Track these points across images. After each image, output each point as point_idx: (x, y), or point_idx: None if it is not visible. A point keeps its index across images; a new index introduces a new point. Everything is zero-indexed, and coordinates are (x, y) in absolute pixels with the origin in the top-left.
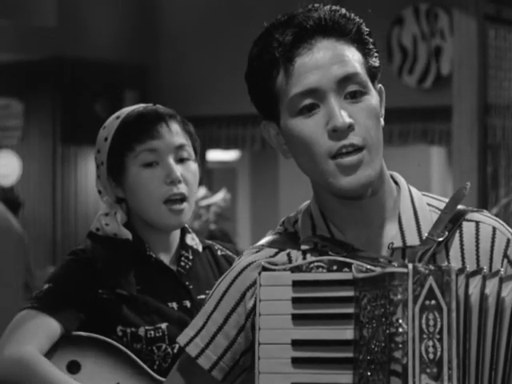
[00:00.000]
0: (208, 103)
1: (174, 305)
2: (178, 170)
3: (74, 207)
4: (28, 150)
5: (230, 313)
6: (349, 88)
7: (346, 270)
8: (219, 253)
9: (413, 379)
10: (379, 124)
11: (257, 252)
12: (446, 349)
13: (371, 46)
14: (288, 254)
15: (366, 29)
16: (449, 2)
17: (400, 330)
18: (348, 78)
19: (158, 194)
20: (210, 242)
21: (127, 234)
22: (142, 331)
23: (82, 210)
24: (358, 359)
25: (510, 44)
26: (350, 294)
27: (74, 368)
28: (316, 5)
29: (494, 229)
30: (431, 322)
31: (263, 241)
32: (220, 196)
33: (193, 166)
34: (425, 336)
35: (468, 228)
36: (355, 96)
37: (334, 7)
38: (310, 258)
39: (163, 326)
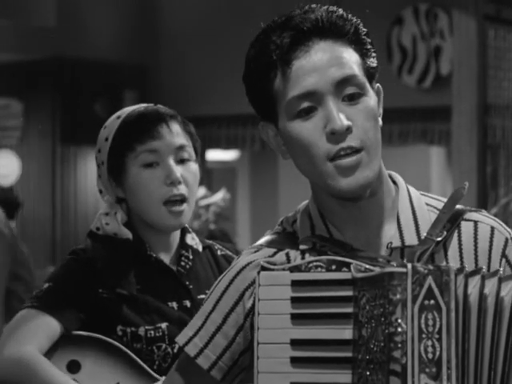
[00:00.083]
0: (208, 103)
1: (174, 304)
2: (178, 170)
3: (73, 207)
4: (28, 150)
5: (228, 312)
6: (347, 90)
7: (345, 269)
8: (219, 253)
9: (412, 379)
10: (377, 125)
11: (255, 252)
12: (445, 348)
13: (369, 47)
14: (287, 254)
15: (363, 29)
16: (448, 2)
17: (399, 329)
18: (346, 80)
19: (158, 195)
20: (209, 241)
21: (127, 234)
22: (141, 331)
23: (82, 210)
24: (356, 359)
25: (509, 44)
26: (349, 293)
27: (73, 367)
28: (313, 6)
29: (493, 228)
30: (430, 322)
31: (262, 241)
32: (219, 196)
33: (193, 166)
34: (424, 336)
35: (466, 228)
36: (353, 98)
37: (330, 8)
38: (308, 257)
39: (163, 325)
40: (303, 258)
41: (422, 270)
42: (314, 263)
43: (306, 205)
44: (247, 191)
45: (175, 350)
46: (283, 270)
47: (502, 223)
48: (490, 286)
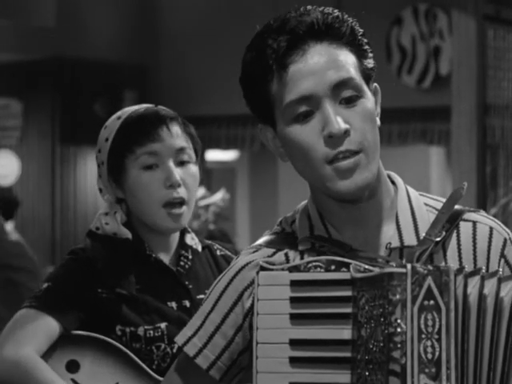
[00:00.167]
0: (208, 103)
1: (174, 304)
2: (178, 173)
3: (73, 207)
4: (27, 150)
5: (227, 312)
6: (344, 93)
7: (344, 269)
8: (218, 253)
9: (411, 379)
10: (375, 126)
11: (254, 252)
12: (445, 349)
13: (365, 47)
14: (285, 254)
15: (359, 29)
16: (448, 2)
17: (399, 329)
18: (343, 83)
19: (158, 197)
20: (209, 241)
21: (127, 234)
22: (141, 331)
23: (81, 210)
24: (356, 359)
25: (509, 44)
26: (348, 293)
27: (72, 367)
28: (308, 7)
29: (491, 229)
30: (430, 322)
31: (261, 241)
32: (219, 196)
33: (193, 168)
34: (423, 336)
35: (465, 228)
36: (350, 101)
37: (326, 10)
38: (307, 257)
39: (162, 325)
40: (302, 258)
41: (421, 270)
42: (313, 263)
43: (305, 205)
44: (247, 191)
45: (174, 350)
46: (282, 269)
47: (500, 223)
48: (490, 286)
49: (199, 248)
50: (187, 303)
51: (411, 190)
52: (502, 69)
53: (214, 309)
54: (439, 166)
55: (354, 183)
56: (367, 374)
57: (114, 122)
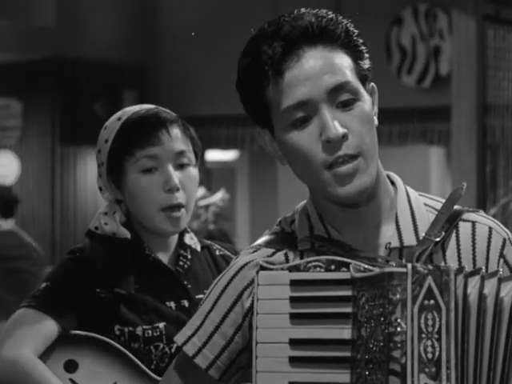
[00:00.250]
0: (208, 103)
1: (172, 304)
2: (177, 176)
3: (73, 207)
4: (27, 150)
5: (227, 312)
6: (340, 97)
7: (344, 269)
8: (217, 253)
9: (411, 379)
10: (373, 128)
11: (254, 252)
12: (445, 348)
13: (361, 48)
14: (285, 254)
15: (354, 30)
16: (448, 2)
17: (399, 329)
18: (339, 87)
19: (156, 201)
20: (208, 241)
21: (126, 234)
22: (139, 330)
23: (81, 210)
24: (355, 358)
25: (508, 44)
26: (348, 293)
27: (71, 367)
28: (302, 10)
29: (490, 229)
30: (430, 322)
31: (260, 241)
32: (219, 196)
33: (192, 171)
34: (423, 336)
35: (464, 228)
36: (347, 104)
37: (320, 12)
38: (307, 257)
39: (161, 325)
40: (302, 258)
41: (421, 270)
42: (313, 263)
43: (304, 205)
44: (246, 191)
45: (173, 350)
46: (282, 269)
47: (499, 224)
48: (490, 286)
49: (198, 248)
50: (186, 303)
51: (411, 191)
52: (502, 69)
53: (213, 308)
54: (439, 166)
55: (354, 188)
56: (367, 373)
57: (113, 123)
